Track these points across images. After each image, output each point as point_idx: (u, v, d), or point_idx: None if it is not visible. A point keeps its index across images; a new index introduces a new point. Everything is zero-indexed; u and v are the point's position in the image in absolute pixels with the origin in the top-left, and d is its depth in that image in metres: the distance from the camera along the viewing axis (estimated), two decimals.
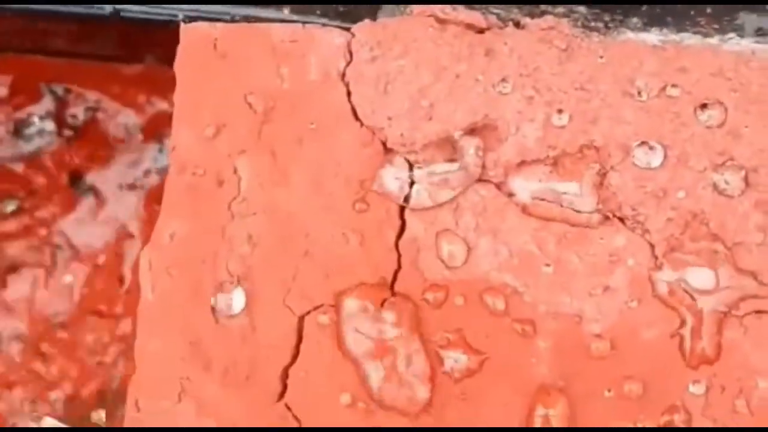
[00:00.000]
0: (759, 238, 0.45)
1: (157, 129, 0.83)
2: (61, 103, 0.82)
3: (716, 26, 0.52)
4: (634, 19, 0.52)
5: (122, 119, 0.82)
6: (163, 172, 0.82)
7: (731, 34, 0.51)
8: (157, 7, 0.55)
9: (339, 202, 0.46)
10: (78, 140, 0.82)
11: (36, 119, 0.82)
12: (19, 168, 0.82)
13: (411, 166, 0.46)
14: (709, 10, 0.53)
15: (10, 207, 0.82)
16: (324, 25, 0.55)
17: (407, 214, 0.46)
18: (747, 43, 0.50)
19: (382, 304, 0.45)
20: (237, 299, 0.46)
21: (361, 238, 0.46)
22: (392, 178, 0.46)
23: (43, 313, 0.82)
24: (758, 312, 0.45)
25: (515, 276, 0.45)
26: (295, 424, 0.46)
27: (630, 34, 0.50)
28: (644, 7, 0.53)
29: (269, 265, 0.46)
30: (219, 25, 0.48)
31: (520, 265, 0.45)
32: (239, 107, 0.47)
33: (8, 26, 0.61)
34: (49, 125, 0.82)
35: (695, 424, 0.45)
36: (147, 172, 0.82)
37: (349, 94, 0.47)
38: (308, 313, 0.46)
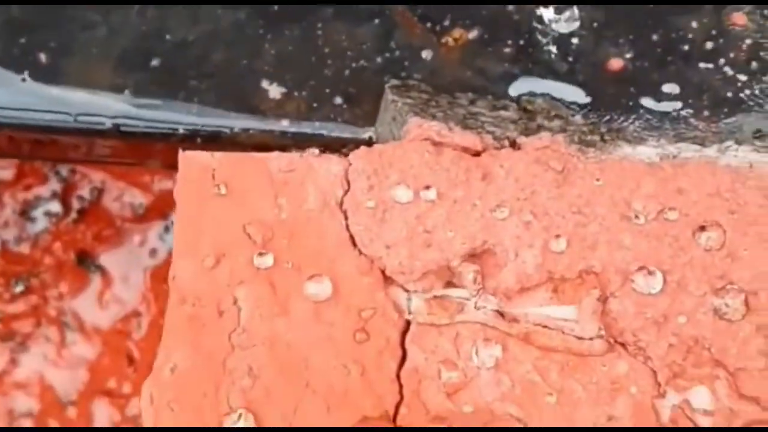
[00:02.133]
0: (761, 363, 0.45)
1: (162, 208, 0.83)
2: (67, 185, 0.83)
3: (714, 129, 0.52)
4: (631, 128, 0.52)
5: (128, 198, 0.83)
6: (169, 250, 0.83)
7: (729, 142, 0.51)
8: (156, 121, 0.56)
9: (339, 332, 0.46)
10: (84, 220, 0.83)
11: (42, 201, 0.83)
12: (26, 249, 0.83)
13: (410, 295, 0.46)
14: (706, 113, 0.53)
15: (19, 287, 0.82)
16: (322, 138, 0.56)
17: (408, 343, 0.46)
18: (744, 153, 0.50)
19: None
20: None
21: (362, 369, 0.46)
22: (391, 307, 0.46)
23: (53, 391, 0.82)
24: None
25: (519, 407, 0.45)
26: None
27: (627, 149, 0.50)
28: (641, 111, 0.53)
29: (270, 399, 0.46)
30: (217, 154, 0.48)
31: (522, 395, 0.45)
32: (238, 237, 0.47)
33: (8, 138, 0.61)
34: (56, 206, 0.83)
35: None
36: (153, 251, 0.83)
37: (347, 222, 0.47)
38: None
